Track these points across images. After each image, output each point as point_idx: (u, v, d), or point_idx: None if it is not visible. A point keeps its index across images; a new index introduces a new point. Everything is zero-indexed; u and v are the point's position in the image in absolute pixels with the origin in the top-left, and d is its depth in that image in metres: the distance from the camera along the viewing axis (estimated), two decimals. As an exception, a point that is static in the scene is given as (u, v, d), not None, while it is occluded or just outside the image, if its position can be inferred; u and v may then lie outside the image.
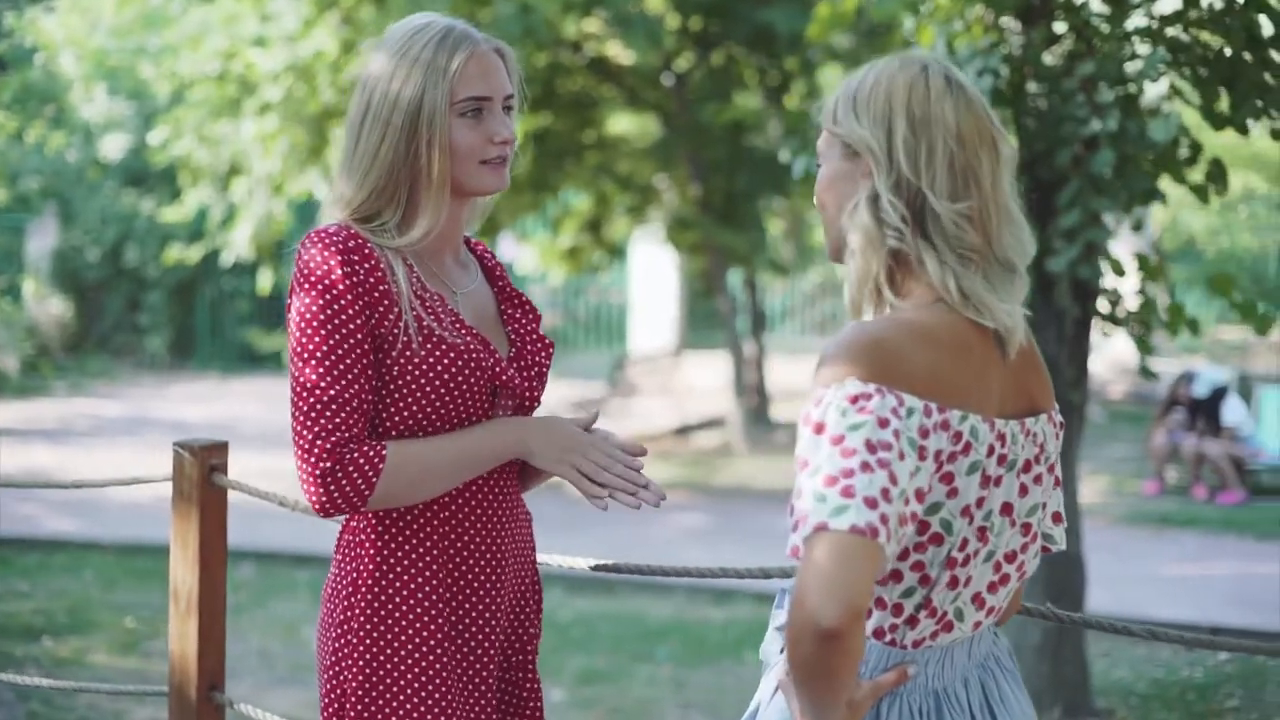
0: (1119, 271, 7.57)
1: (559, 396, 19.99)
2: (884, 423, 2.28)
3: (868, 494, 2.22)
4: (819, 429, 2.30)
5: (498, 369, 2.92)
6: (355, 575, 2.92)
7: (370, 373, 2.83)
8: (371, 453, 2.80)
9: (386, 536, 2.91)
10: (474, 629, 2.96)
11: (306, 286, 2.82)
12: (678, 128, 16.50)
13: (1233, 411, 14.97)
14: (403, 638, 2.89)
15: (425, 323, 2.86)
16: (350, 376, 2.80)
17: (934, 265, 2.42)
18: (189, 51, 14.58)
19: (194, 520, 3.55)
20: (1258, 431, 15.20)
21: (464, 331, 2.91)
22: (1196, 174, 7.59)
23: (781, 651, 2.60)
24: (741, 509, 14.56)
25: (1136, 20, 7.44)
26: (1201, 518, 13.80)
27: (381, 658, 2.89)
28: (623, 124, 18.47)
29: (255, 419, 18.75)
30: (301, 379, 2.81)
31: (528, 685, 3.11)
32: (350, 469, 2.78)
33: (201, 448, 3.59)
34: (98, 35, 17.14)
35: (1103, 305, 7.91)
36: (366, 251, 2.85)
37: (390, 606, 2.90)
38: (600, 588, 10.91)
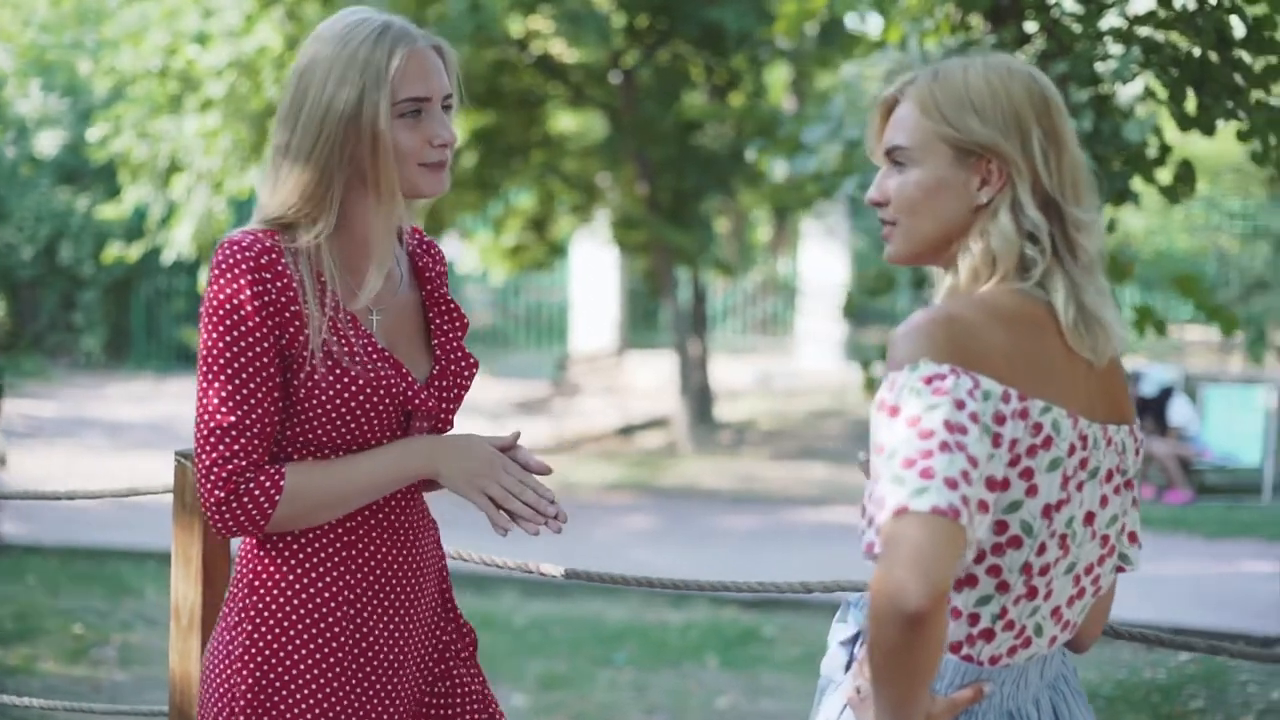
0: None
1: (501, 396, 19.90)
2: (960, 404, 2.22)
3: (948, 475, 2.16)
4: (894, 412, 2.24)
5: (409, 393, 2.82)
6: (251, 597, 2.83)
7: (275, 396, 2.73)
8: (268, 481, 2.71)
9: (284, 557, 2.81)
10: (384, 648, 2.86)
11: (214, 305, 2.72)
12: (625, 126, 16.41)
13: (1179, 411, 15.04)
14: (297, 657, 2.79)
15: (333, 350, 2.75)
16: (252, 402, 2.71)
17: (1062, 283, 2.37)
18: (130, 47, 14.37)
19: (197, 533, 3.42)
20: (1203, 431, 15.27)
21: (376, 358, 2.80)
22: (1165, 175, 7.57)
23: (847, 668, 2.52)
24: (688, 509, 14.51)
25: (1110, 20, 7.41)
26: (1150, 517, 13.81)
27: (277, 682, 2.79)
28: (569, 122, 18.39)
29: (192, 419, 18.48)
30: (203, 402, 2.72)
31: (461, 691, 3.00)
32: (244, 498, 2.70)
33: (204, 456, 3.46)
34: (31, 30, 16.89)
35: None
36: (280, 268, 2.73)
37: (286, 626, 2.80)
38: (554, 591, 10.81)
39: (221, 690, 2.82)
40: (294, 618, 2.80)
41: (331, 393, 2.74)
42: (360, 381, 2.75)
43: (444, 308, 2.99)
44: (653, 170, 16.65)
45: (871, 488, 2.26)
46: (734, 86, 17.14)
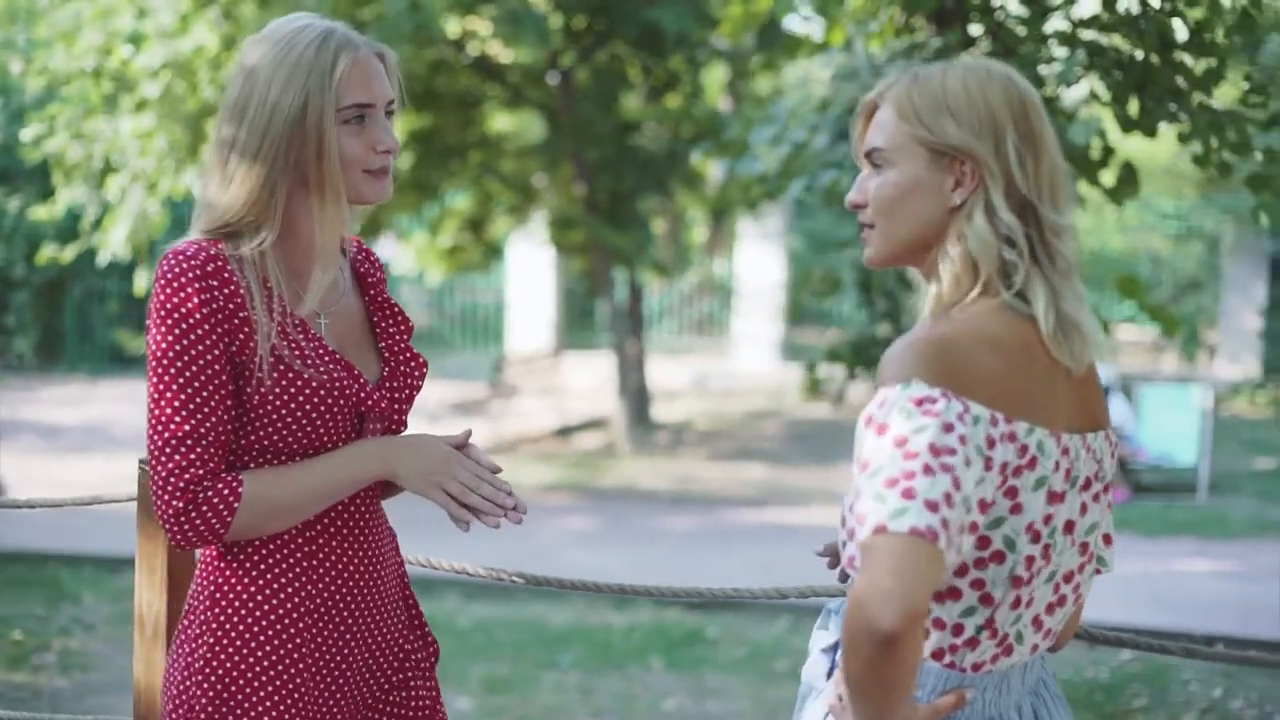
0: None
1: (439, 398, 19.82)
2: (949, 427, 2.23)
3: (929, 497, 2.18)
4: (881, 430, 2.25)
5: (363, 395, 2.82)
6: (211, 606, 2.81)
7: (229, 403, 2.72)
8: (226, 489, 2.70)
9: (245, 566, 2.80)
10: (340, 657, 2.85)
11: (163, 314, 2.70)
12: (563, 127, 16.39)
13: (1116, 411, 15.16)
14: (258, 668, 2.78)
15: (284, 355, 2.74)
16: (205, 410, 2.69)
17: (1042, 289, 2.38)
18: (63, 46, 14.21)
19: (162, 541, 3.38)
20: (1138, 431, 15.38)
21: (327, 360, 2.80)
22: (1109, 177, 7.63)
23: (829, 675, 2.52)
24: (627, 511, 14.51)
25: (1055, 23, 7.45)
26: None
27: (234, 689, 2.77)
28: (506, 123, 18.35)
29: (128, 422, 18.39)
30: (156, 412, 2.70)
31: (414, 703, 2.99)
32: (204, 507, 2.68)
33: (170, 464, 3.42)
34: (-39, 30, 16.69)
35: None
36: (226, 275, 2.72)
37: (249, 639, 2.78)
38: (496, 593, 10.77)
39: (181, 701, 2.79)
40: (255, 629, 2.78)
41: (285, 397, 2.73)
42: (314, 385, 2.75)
43: (387, 311, 3.00)
44: (590, 171, 16.64)
45: (852, 502, 2.27)
46: (671, 88, 17.14)
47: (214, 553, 2.83)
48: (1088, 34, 7.38)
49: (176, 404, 2.68)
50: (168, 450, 2.68)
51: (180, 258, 2.71)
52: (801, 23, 8.62)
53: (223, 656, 2.77)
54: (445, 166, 16.09)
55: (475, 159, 16.55)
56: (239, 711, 2.76)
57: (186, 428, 2.67)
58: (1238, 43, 7.41)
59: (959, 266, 2.40)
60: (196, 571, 2.88)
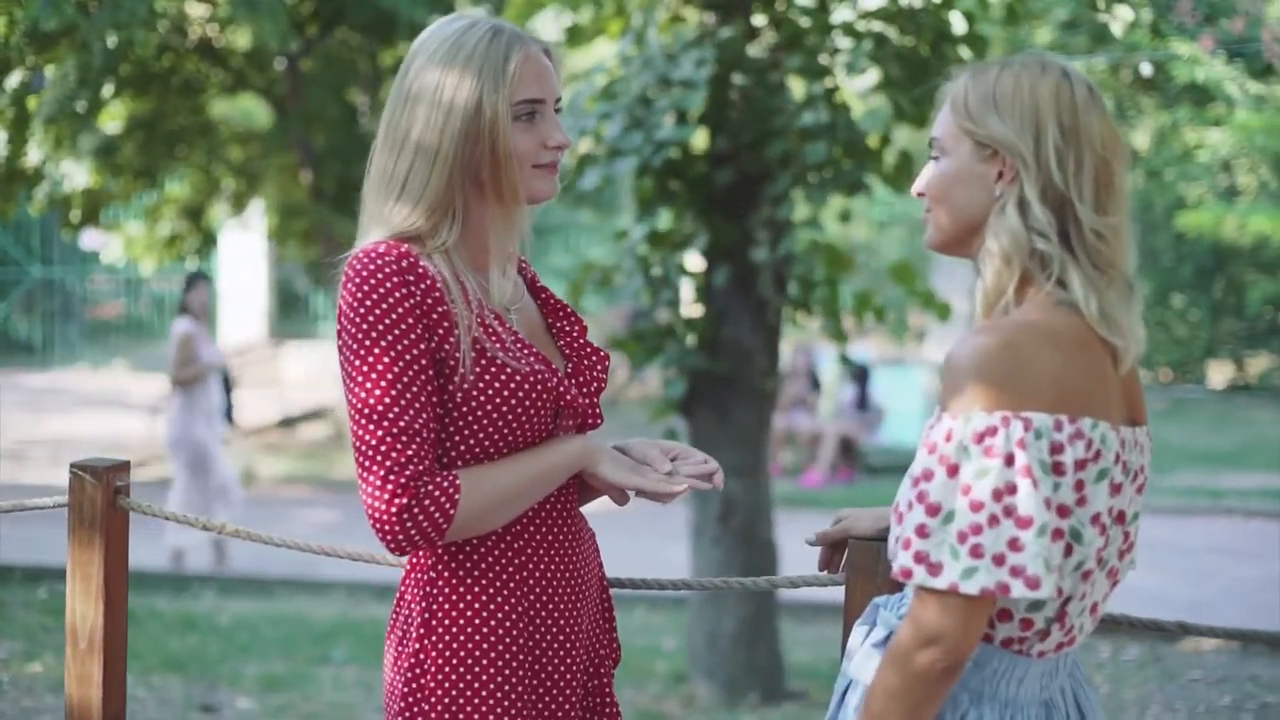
0: (837, 264, 7.75)
1: (154, 389, 19.30)
2: (1010, 460, 2.29)
3: (996, 551, 2.27)
4: (951, 471, 2.31)
5: (561, 389, 2.76)
6: (428, 614, 2.73)
7: (435, 400, 2.64)
8: (447, 484, 2.62)
9: (461, 572, 2.73)
10: (554, 659, 2.79)
11: (363, 311, 2.62)
12: (289, 114, 16.08)
13: (868, 393, 15.49)
14: (483, 677, 2.70)
15: (486, 347, 2.68)
16: (418, 405, 2.61)
17: (1079, 279, 2.42)
18: None
19: (97, 549, 3.22)
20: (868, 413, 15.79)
21: (528, 352, 2.75)
22: (887, 165, 7.82)
23: None
24: (367, 502, 14.34)
25: (841, 15, 7.61)
26: (822, 499, 14.28)
27: (461, 700, 2.70)
28: (229, 108, 17.93)
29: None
30: (366, 410, 2.61)
31: (606, 710, 2.95)
32: (427, 503, 2.59)
33: (105, 468, 3.26)
34: None
35: (795, 293, 8.08)
36: (421, 270, 2.65)
37: (470, 645, 2.71)
38: (255, 589, 10.59)
39: (409, 711, 2.72)
40: (475, 635, 2.71)
41: (490, 391, 2.66)
42: (518, 376, 2.68)
43: (561, 311, 2.96)
44: (318, 158, 16.36)
45: (903, 508, 2.36)
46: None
47: (426, 562, 2.74)
48: (872, 25, 7.55)
49: (386, 402, 2.59)
50: (382, 449, 2.58)
51: (374, 255, 2.63)
52: (561, 15, 8.62)
53: (446, 684, 2.70)
54: (170, 153, 15.64)
55: (202, 146, 16.13)
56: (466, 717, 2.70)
57: (402, 423, 2.58)
58: (1004, 36, 7.67)
59: (997, 260, 2.45)
60: (404, 583, 2.79)
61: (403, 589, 2.82)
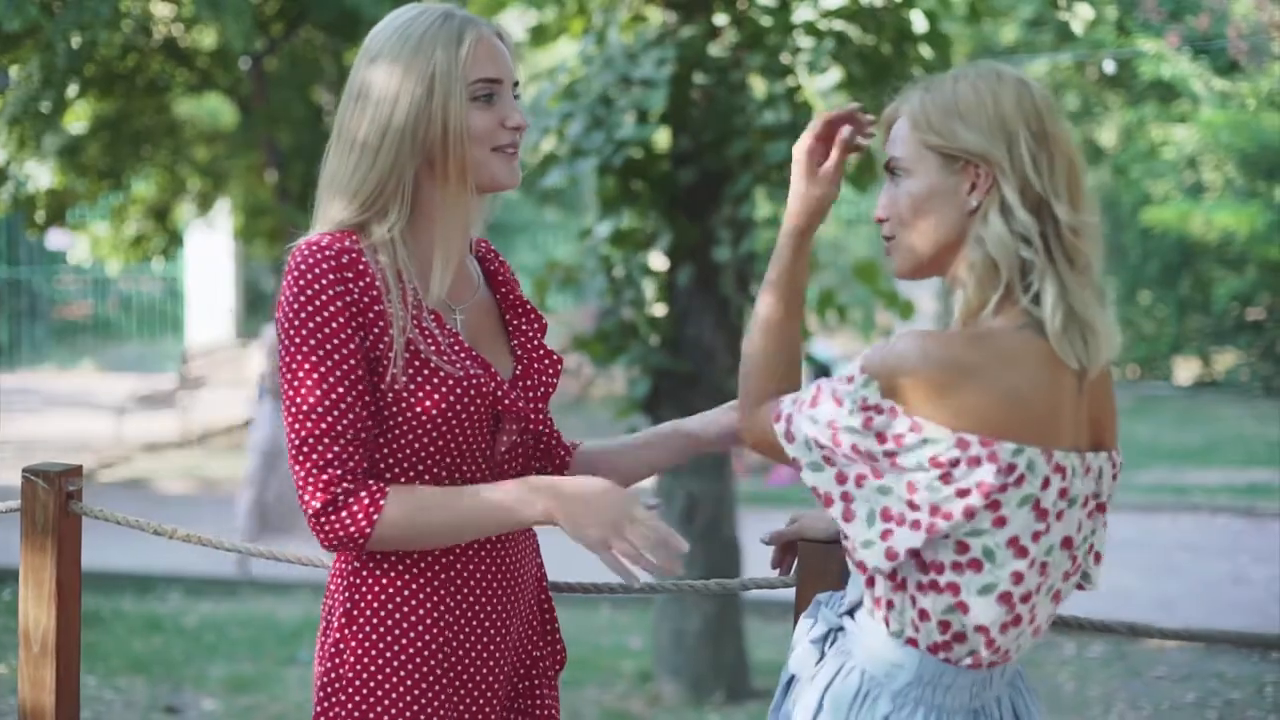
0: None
1: (125, 390, 19.26)
2: (882, 438, 2.36)
3: (843, 471, 2.40)
4: (837, 400, 2.40)
5: (499, 393, 2.71)
6: (350, 603, 2.70)
7: (367, 399, 2.61)
8: (367, 499, 2.59)
9: (385, 564, 2.69)
10: (478, 657, 2.75)
11: (297, 306, 2.59)
12: (255, 113, 16.05)
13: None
14: (401, 672, 2.67)
15: (420, 349, 2.64)
16: (342, 407, 2.58)
17: (1055, 291, 2.40)
18: None
19: (49, 554, 3.20)
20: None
21: (464, 355, 2.69)
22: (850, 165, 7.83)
23: (818, 663, 2.56)
24: (334, 502, 14.31)
25: (802, 14, 7.62)
26: (792, 497, 14.32)
27: (379, 690, 2.67)
28: (195, 108, 17.88)
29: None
30: (294, 409, 2.59)
31: (539, 712, 2.91)
32: (343, 512, 2.58)
33: (58, 473, 3.25)
34: None
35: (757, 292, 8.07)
36: (361, 267, 2.62)
37: (390, 638, 2.67)
38: (222, 590, 10.57)
39: (327, 692, 2.70)
40: (393, 640, 2.67)
41: (421, 394, 2.62)
42: (450, 381, 2.63)
43: (519, 309, 2.90)
44: (283, 158, 16.33)
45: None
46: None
47: (349, 566, 2.71)
48: (833, 24, 7.57)
49: (313, 399, 2.57)
50: (305, 449, 2.57)
51: (313, 248, 2.60)
52: (532, 13, 8.61)
53: (365, 658, 2.66)
54: (136, 153, 15.61)
55: (167, 145, 16.09)
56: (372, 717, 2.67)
57: (324, 424, 2.57)
58: (969, 35, 7.69)
59: (981, 270, 2.42)
60: (331, 582, 2.76)
61: (330, 578, 2.79)
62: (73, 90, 12.77)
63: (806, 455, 2.42)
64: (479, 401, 2.67)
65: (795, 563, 3.01)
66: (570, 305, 21.48)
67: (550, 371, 2.87)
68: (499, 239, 25.02)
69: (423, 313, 2.67)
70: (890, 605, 2.46)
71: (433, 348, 2.65)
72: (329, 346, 2.59)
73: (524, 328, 2.90)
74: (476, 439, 2.70)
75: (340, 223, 2.66)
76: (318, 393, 2.58)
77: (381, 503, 2.58)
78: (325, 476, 2.57)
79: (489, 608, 2.76)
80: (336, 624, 2.71)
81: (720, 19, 7.73)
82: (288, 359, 2.60)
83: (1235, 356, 22.44)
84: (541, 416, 2.83)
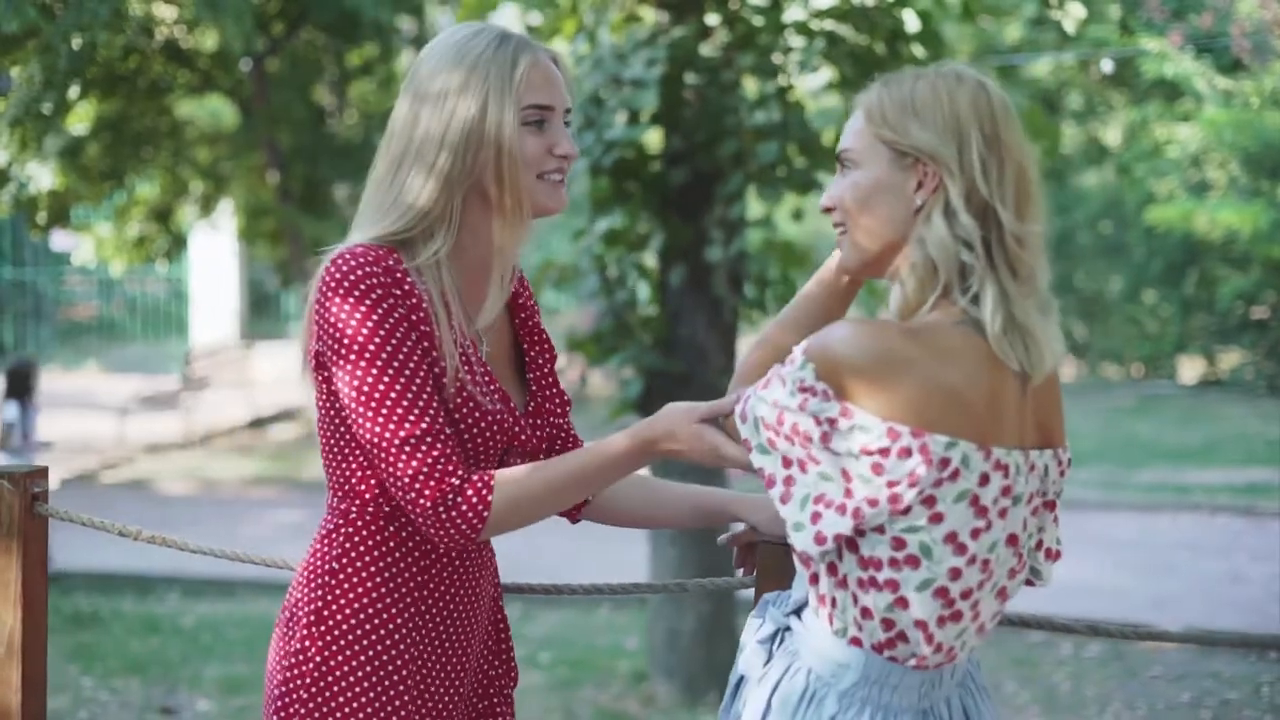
0: (791, 261, 7.76)
1: (129, 391, 19.29)
2: (817, 420, 2.33)
3: (787, 455, 2.38)
4: (782, 380, 2.38)
5: (516, 429, 2.71)
6: (320, 603, 2.68)
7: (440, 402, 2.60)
8: (476, 493, 2.55)
9: (365, 574, 2.67)
10: (441, 675, 2.74)
11: (361, 315, 2.55)
12: (256, 114, 16.09)
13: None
14: (365, 684, 2.66)
15: (461, 376, 2.62)
16: (434, 407, 2.55)
17: (994, 295, 2.38)
18: None
19: (15, 555, 3.20)
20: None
21: (493, 389, 2.68)
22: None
23: (766, 664, 2.55)
24: (335, 502, 14.35)
25: (792, 14, 7.62)
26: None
27: (342, 699, 2.66)
28: (196, 109, 17.92)
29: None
30: (384, 417, 2.54)
31: None
32: (462, 506, 2.54)
33: (23, 474, 3.26)
34: None
35: (751, 292, 8.08)
36: (408, 286, 2.59)
37: (356, 648, 2.66)
38: (219, 591, 10.57)
39: (284, 690, 2.68)
40: (360, 635, 2.66)
41: (461, 426, 2.61)
42: (479, 412, 2.62)
43: (537, 337, 2.88)
44: (284, 159, 16.37)
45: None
46: (365, 74, 16.99)
47: (323, 567, 2.69)
48: (824, 24, 7.56)
49: (406, 403, 2.53)
50: (407, 451, 2.53)
51: (358, 261, 2.56)
52: (516, 14, 8.60)
53: (326, 675, 2.65)
54: (137, 154, 15.65)
55: (167, 147, 16.13)
56: None
57: (421, 427, 2.53)
58: (971, 34, 7.69)
59: (921, 270, 2.40)
60: (296, 584, 2.74)
61: (297, 579, 2.76)
62: (74, 92, 12.77)
63: (755, 437, 2.39)
64: (499, 436, 2.67)
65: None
66: (574, 305, 21.49)
67: (560, 410, 2.87)
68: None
69: (464, 339, 2.65)
70: (833, 603, 2.44)
71: (470, 375, 2.64)
72: (405, 350, 2.55)
73: (539, 360, 2.88)
74: (485, 468, 2.68)
75: (380, 237, 2.62)
76: (409, 397, 2.54)
77: (489, 496, 2.55)
78: (436, 476, 2.53)
79: (454, 624, 2.75)
80: (303, 626, 2.69)
81: (712, 19, 7.72)
82: (361, 367, 2.55)
83: (1240, 355, 22.43)
84: (542, 450, 2.81)
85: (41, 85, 11.44)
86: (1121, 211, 21.79)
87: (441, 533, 2.56)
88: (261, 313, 25.10)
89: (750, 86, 7.79)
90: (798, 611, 2.56)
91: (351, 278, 2.55)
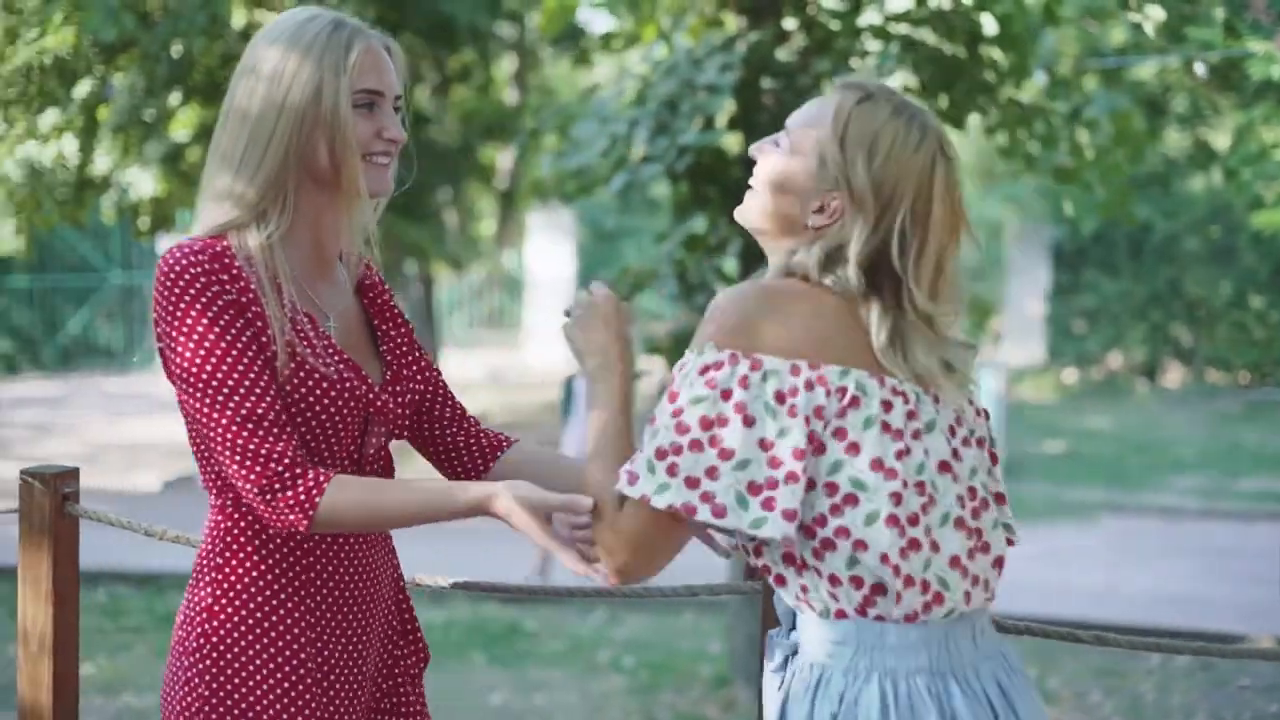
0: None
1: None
2: (727, 394, 2.36)
3: (691, 474, 2.35)
4: (672, 397, 2.40)
5: (370, 396, 2.75)
6: (208, 609, 2.72)
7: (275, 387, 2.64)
8: (310, 483, 2.59)
9: (243, 571, 2.72)
10: (342, 666, 2.79)
11: (185, 305, 2.61)
12: (355, 120, 16.26)
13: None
14: (270, 666, 2.70)
15: (298, 350, 2.66)
16: (262, 389, 2.60)
17: (876, 315, 2.45)
18: None
19: (46, 554, 3.28)
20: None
21: (337, 358, 2.72)
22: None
23: (780, 686, 2.54)
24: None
25: (868, 17, 7.58)
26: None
27: (252, 683, 2.70)
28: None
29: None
30: (212, 401, 2.59)
31: (404, 710, 2.95)
32: (287, 494, 2.58)
33: (53, 475, 3.33)
34: None
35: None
36: (235, 271, 2.64)
37: (252, 637, 2.70)
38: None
39: (183, 712, 2.71)
40: (255, 640, 2.70)
41: (301, 392, 2.65)
42: (324, 383, 2.67)
43: (387, 314, 2.93)
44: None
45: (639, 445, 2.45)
46: (462, 80, 17.10)
47: (212, 563, 2.73)
48: (900, 28, 7.52)
49: (229, 385, 2.58)
50: (231, 434, 2.57)
51: (184, 252, 2.62)
52: (602, 17, 8.64)
53: (225, 667, 2.69)
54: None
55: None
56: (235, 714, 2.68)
57: (246, 409, 2.57)
58: (1034, 35, 7.61)
59: (796, 269, 2.50)
60: (190, 587, 2.78)
61: (190, 588, 2.79)
62: (175, 99, 12.97)
63: (650, 480, 2.37)
64: (352, 404, 2.71)
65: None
66: (673, 310, 21.49)
67: (418, 376, 2.91)
68: (605, 245, 25.14)
69: (298, 315, 2.69)
70: (806, 590, 2.45)
71: (308, 349, 2.68)
72: (230, 336, 2.60)
73: (392, 334, 2.92)
74: (346, 440, 2.74)
75: (217, 226, 2.68)
76: (234, 379, 2.59)
77: (318, 496, 2.58)
78: (262, 460, 2.57)
79: (350, 606, 2.79)
80: (198, 623, 2.72)
81: (789, 23, 7.70)
82: (187, 355, 2.60)
83: (1350, 362, 22.05)
84: (405, 420, 2.86)
85: (143, 93, 11.64)
86: (1229, 216, 21.47)
87: (270, 517, 2.60)
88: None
89: (828, 91, 7.76)
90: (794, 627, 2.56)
91: (177, 269, 2.61)
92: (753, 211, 2.59)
